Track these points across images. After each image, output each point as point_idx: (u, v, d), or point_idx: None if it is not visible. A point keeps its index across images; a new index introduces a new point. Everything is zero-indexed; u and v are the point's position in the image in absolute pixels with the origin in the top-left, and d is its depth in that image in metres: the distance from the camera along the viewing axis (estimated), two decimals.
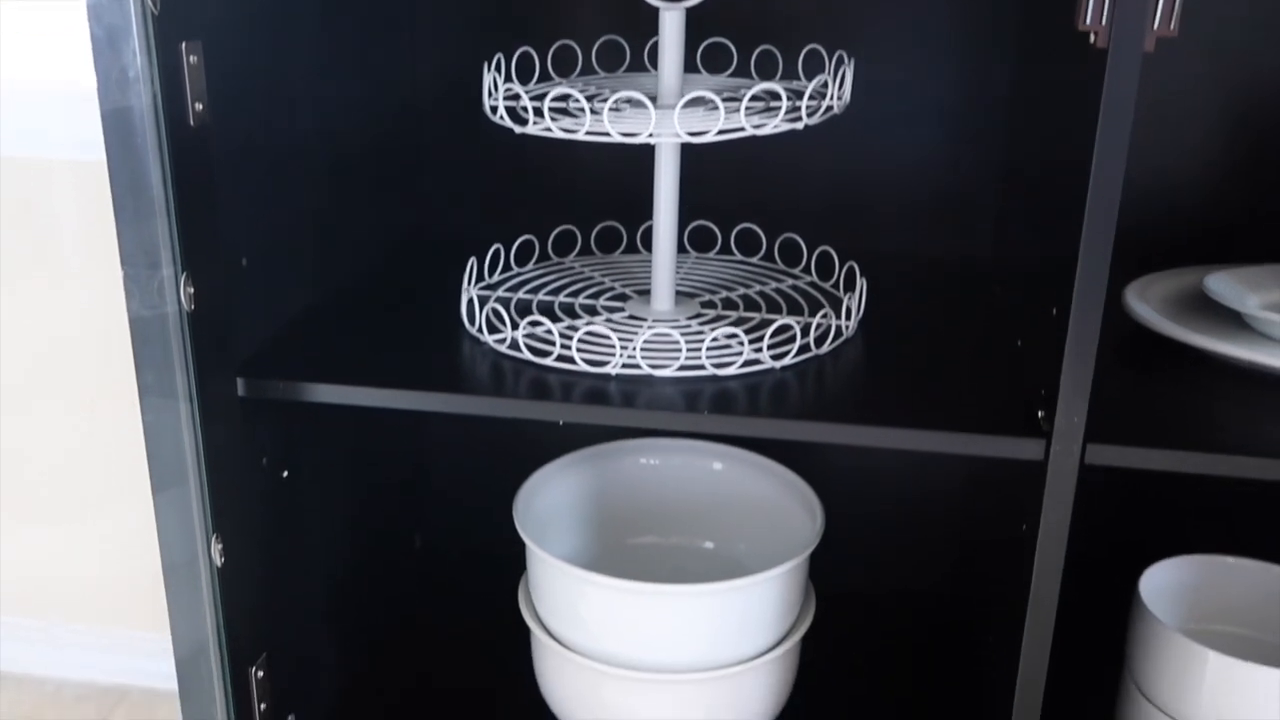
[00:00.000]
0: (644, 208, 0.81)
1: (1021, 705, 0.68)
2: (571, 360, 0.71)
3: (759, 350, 0.72)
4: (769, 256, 0.91)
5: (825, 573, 0.89)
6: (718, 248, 0.93)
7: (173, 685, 0.79)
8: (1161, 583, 0.84)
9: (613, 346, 0.71)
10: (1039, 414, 0.64)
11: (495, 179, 1.00)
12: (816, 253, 0.88)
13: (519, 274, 0.88)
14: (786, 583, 0.79)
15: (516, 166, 0.98)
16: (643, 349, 0.71)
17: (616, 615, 0.78)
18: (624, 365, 0.70)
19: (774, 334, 0.73)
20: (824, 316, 0.76)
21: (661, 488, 0.93)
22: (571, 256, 0.92)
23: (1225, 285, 0.78)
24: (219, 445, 0.67)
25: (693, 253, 0.93)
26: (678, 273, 0.87)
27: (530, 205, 0.99)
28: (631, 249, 0.93)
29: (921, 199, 0.94)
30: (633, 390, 0.68)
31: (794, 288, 0.86)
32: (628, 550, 0.93)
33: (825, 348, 0.74)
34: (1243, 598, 0.85)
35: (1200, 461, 0.62)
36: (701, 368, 0.70)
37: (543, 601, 0.82)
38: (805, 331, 0.74)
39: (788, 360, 0.72)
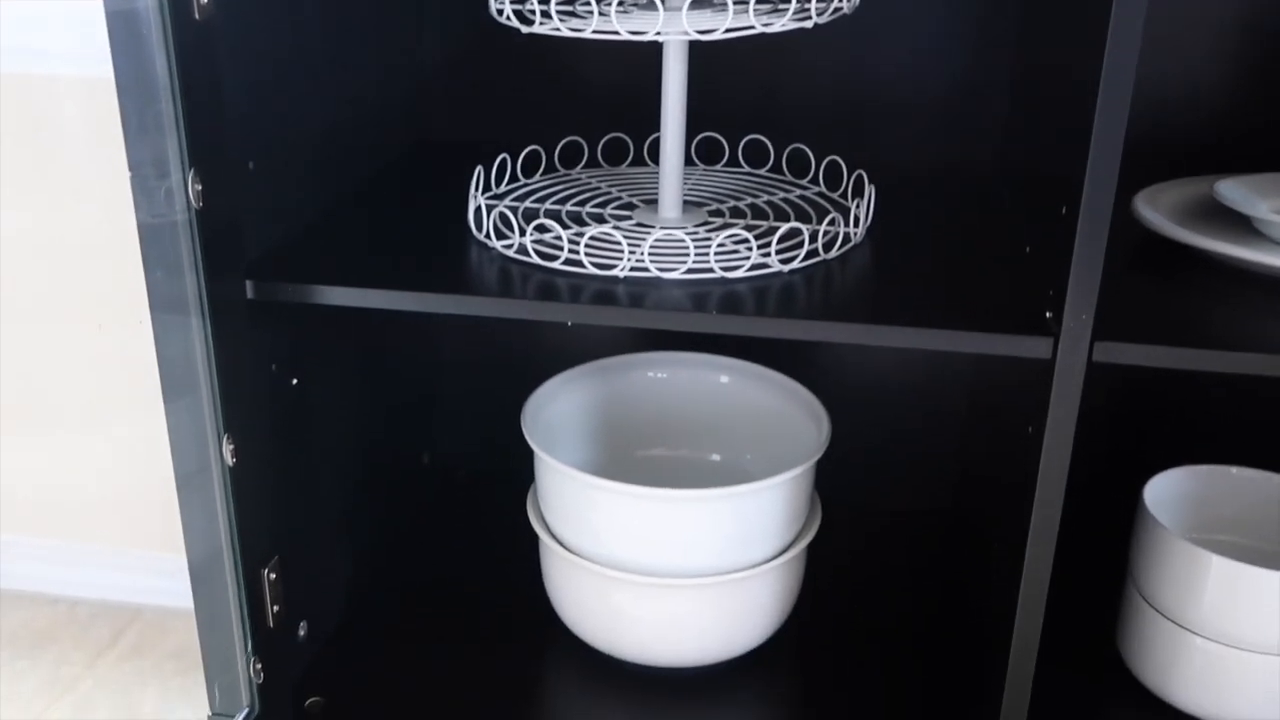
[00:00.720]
0: (651, 120, 0.81)
1: (1025, 607, 0.69)
2: (580, 264, 0.71)
3: (767, 254, 0.71)
4: (777, 168, 0.91)
5: (832, 484, 0.90)
6: (725, 160, 0.93)
7: (186, 603, 0.80)
8: (1165, 492, 0.84)
9: (620, 250, 0.71)
10: (1047, 315, 0.64)
11: (502, 89, 0.99)
12: (824, 162, 0.88)
13: (525, 184, 0.87)
14: (792, 489, 0.80)
15: (523, 76, 0.98)
16: (650, 252, 0.71)
17: (624, 521, 0.78)
18: (632, 268, 0.70)
19: (782, 239, 0.73)
20: (831, 223, 0.76)
21: (669, 401, 0.93)
22: (578, 168, 0.92)
23: (1235, 191, 0.78)
24: (228, 350, 0.68)
25: (700, 165, 0.93)
26: (685, 184, 0.87)
27: (536, 117, 0.98)
28: (639, 162, 0.93)
29: (930, 106, 0.93)
30: (640, 292, 0.68)
31: (802, 197, 0.85)
32: (636, 462, 0.94)
33: (833, 253, 0.74)
34: (1245, 507, 0.86)
35: (1207, 359, 0.62)
36: (710, 271, 0.70)
37: (551, 509, 0.83)
38: (814, 237, 0.74)
39: (796, 265, 0.72)
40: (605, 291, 0.69)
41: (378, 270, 0.72)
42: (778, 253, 0.72)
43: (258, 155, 0.72)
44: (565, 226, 0.77)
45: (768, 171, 0.91)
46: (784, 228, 0.73)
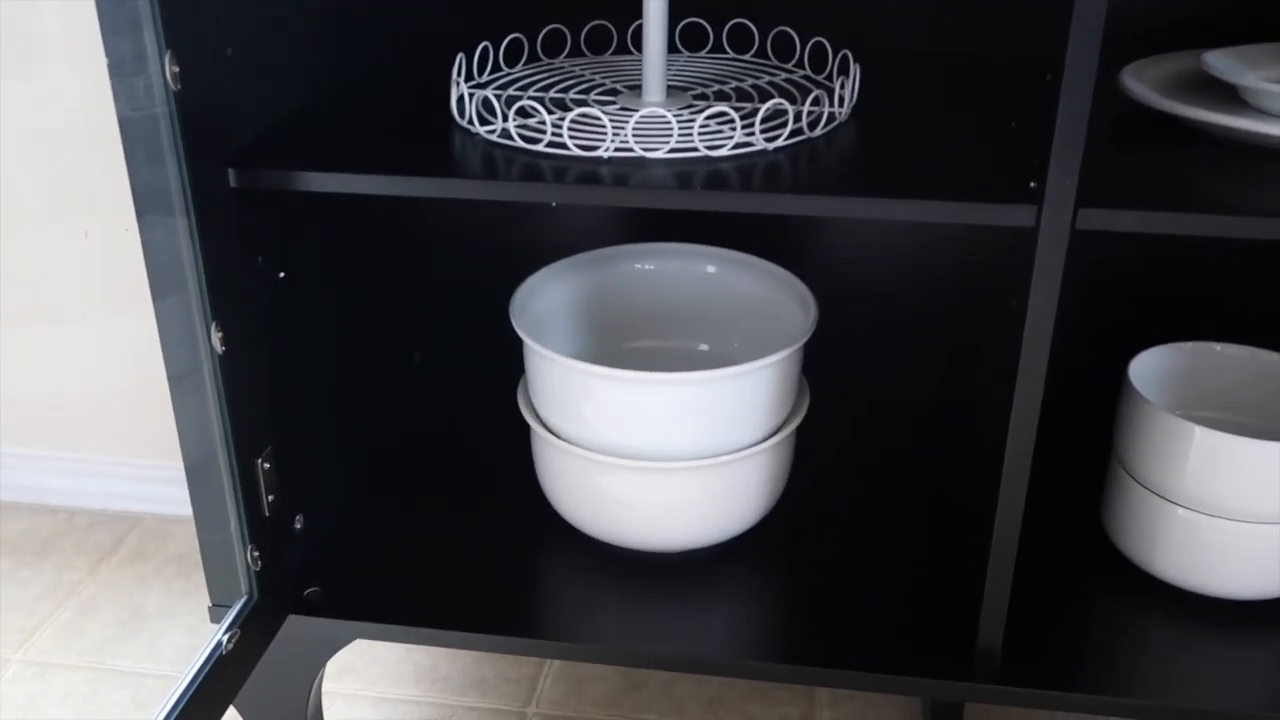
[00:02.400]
0: (634, 7, 0.80)
1: (1009, 479, 0.70)
2: (564, 145, 0.70)
3: (751, 133, 0.71)
4: (762, 52, 0.90)
5: (822, 370, 0.91)
6: (709, 46, 0.92)
7: (185, 510, 0.81)
8: (1150, 368, 0.85)
9: (604, 131, 0.70)
10: (1031, 184, 0.64)
11: None
12: (809, 44, 0.87)
13: (508, 73, 0.87)
14: (779, 373, 0.80)
15: None
16: (634, 132, 0.71)
17: (613, 407, 0.79)
18: (616, 149, 0.70)
19: (766, 118, 0.73)
20: (815, 102, 0.75)
21: (656, 291, 0.93)
22: (562, 57, 0.91)
23: (1223, 61, 0.77)
24: (213, 240, 0.67)
25: (685, 52, 0.92)
26: (669, 70, 0.86)
27: (522, 5, 0.97)
28: (622, 50, 0.92)
29: None
30: (625, 172, 0.68)
31: (788, 80, 0.85)
32: (625, 354, 0.94)
33: (818, 131, 0.74)
34: (1229, 383, 0.86)
35: (1190, 223, 0.62)
36: (694, 150, 0.70)
37: (541, 399, 0.84)
38: (798, 117, 0.74)
39: (780, 142, 0.71)
40: (590, 172, 0.68)
41: (361, 156, 0.72)
42: (762, 131, 0.71)
43: (238, 43, 0.71)
44: (550, 112, 0.76)
45: (753, 56, 0.90)
46: (766, 106, 0.73)
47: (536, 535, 0.89)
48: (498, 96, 0.80)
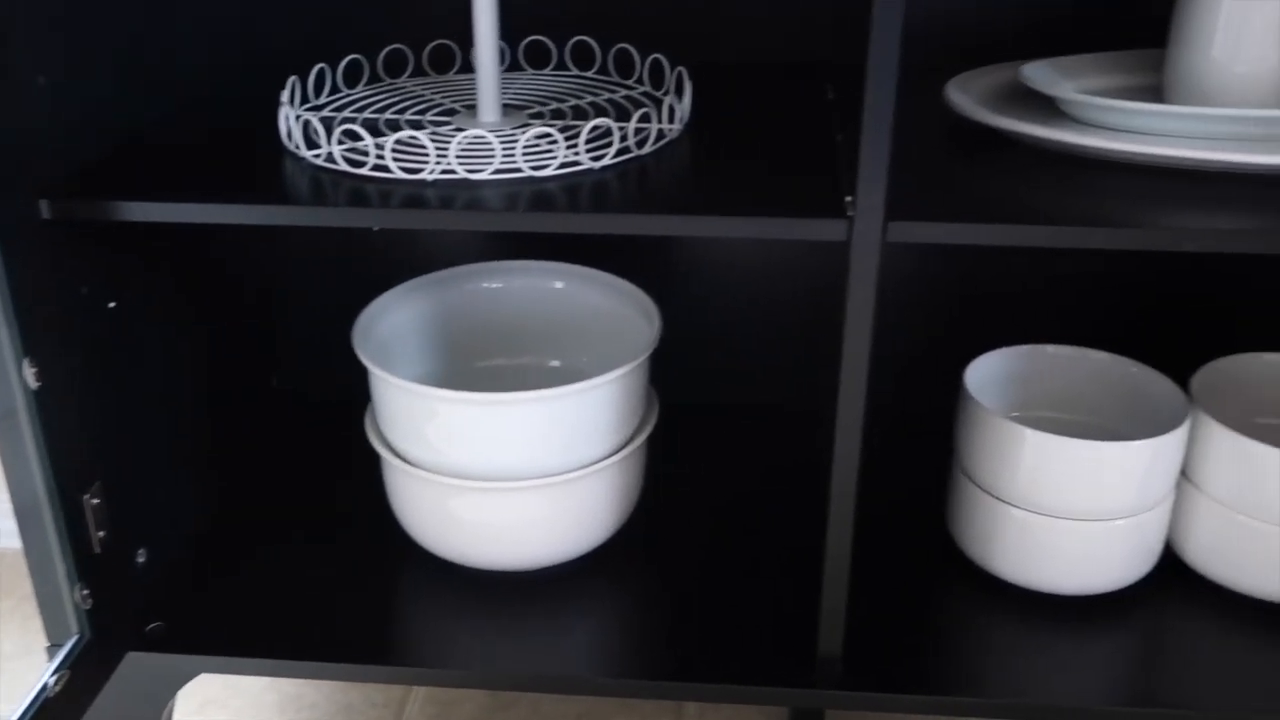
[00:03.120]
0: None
1: (838, 486, 0.71)
2: (387, 169, 0.70)
3: (576, 151, 0.71)
4: (604, 69, 0.90)
5: (675, 382, 0.91)
6: (553, 63, 0.92)
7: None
8: (988, 373, 0.87)
9: (427, 153, 0.70)
10: (848, 198, 0.65)
11: (323, 2, 0.97)
12: (648, 61, 0.87)
13: (347, 95, 0.86)
14: (623, 387, 0.80)
15: None
16: (458, 155, 0.70)
17: (458, 429, 0.79)
18: (442, 172, 0.70)
19: (595, 136, 0.73)
20: (643, 119, 0.76)
21: (506, 310, 0.93)
22: (404, 77, 0.90)
23: (1040, 72, 0.79)
24: (24, 272, 0.65)
25: (528, 69, 0.92)
26: (511, 88, 0.86)
27: (361, 28, 0.96)
28: (466, 69, 0.92)
29: (758, 6, 0.93)
30: (450, 194, 0.68)
31: (626, 97, 0.85)
32: (476, 374, 0.94)
33: (647, 149, 0.74)
34: (1063, 383, 0.89)
35: (1000, 233, 0.63)
36: (518, 170, 0.70)
37: (387, 423, 0.83)
38: (625, 135, 0.74)
39: (607, 161, 0.72)
40: (415, 195, 0.68)
41: (184, 184, 0.71)
42: (589, 149, 0.72)
43: (53, 70, 0.69)
44: (380, 134, 0.76)
45: (595, 73, 0.90)
46: (589, 125, 0.73)
47: (391, 560, 0.88)
48: (326, 120, 0.79)
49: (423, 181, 0.69)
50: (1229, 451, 0.79)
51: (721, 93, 0.87)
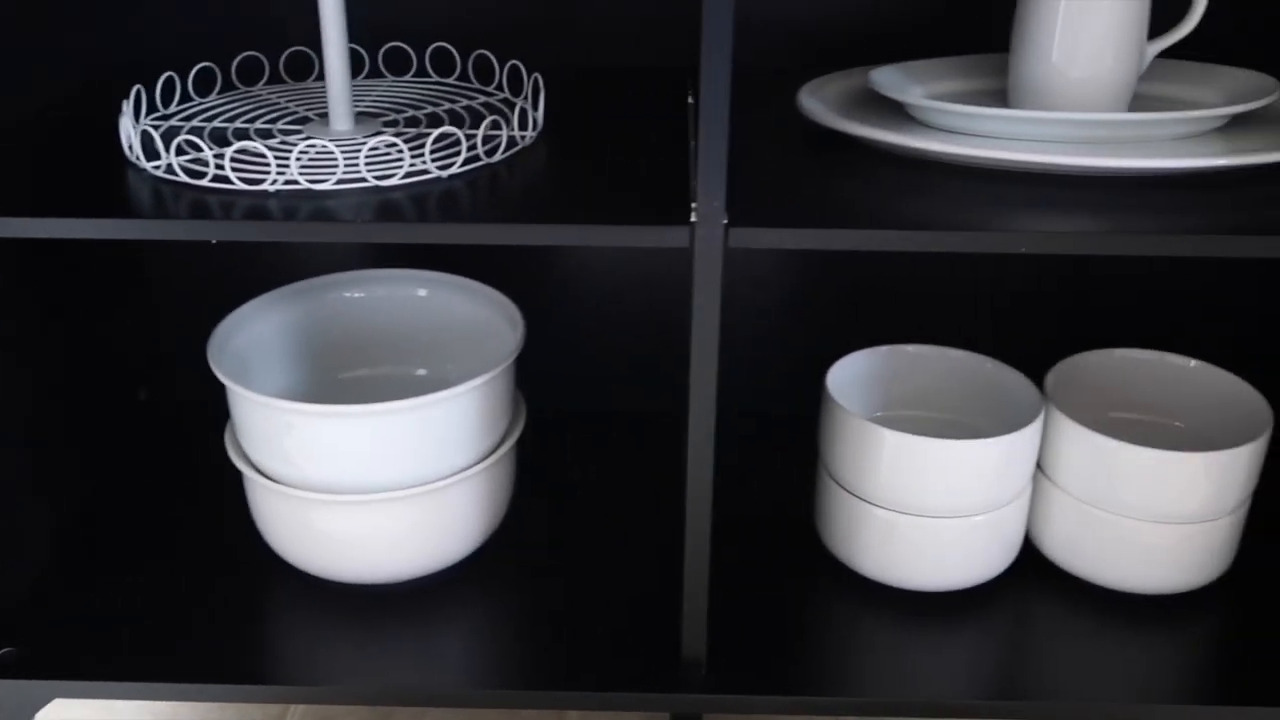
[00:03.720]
0: None
1: (693, 490, 0.71)
2: (228, 180, 0.68)
3: (421, 160, 0.70)
4: (465, 75, 0.90)
5: (544, 388, 0.91)
6: (414, 70, 0.91)
7: None
8: (851, 374, 0.88)
9: (268, 164, 0.69)
10: (693, 205, 0.65)
11: (181, 12, 0.94)
12: (507, 68, 0.87)
13: (199, 104, 0.84)
14: (486, 394, 0.80)
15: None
16: (300, 165, 0.69)
17: (317, 442, 0.77)
18: (285, 182, 0.68)
19: (443, 145, 0.72)
20: (494, 127, 0.75)
21: (369, 319, 0.92)
22: (260, 84, 0.88)
23: (889, 77, 0.80)
24: None
25: (389, 76, 0.91)
26: (369, 96, 0.85)
27: (216, 35, 0.94)
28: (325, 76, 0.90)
29: (622, 8, 0.93)
30: (294, 205, 0.67)
31: (485, 104, 0.84)
32: (339, 385, 0.93)
33: (498, 157, 0.74)
34: (925, 382, 0.90)
35: (840, 238, 0.64)
36: (363, 180, 0.69)
37: (246, 438, 0.81)
38: (474, 143, 0.73)
39: (456, 169, 0.71)
40: (257, 207, 0.67)
41: (18, 199, 0.68)
42: (436, 158, 0.71)
43: None
44: (227, 144, 0.74)
45: (455, 80, 0.90)
46: (436, 133, 0.72)
47: (257, 577, 0.86)
48: (176, 130, 0.77)
49: (265, 193, 0.68)
50: (1081, 446, 0.80)
51: (584, 98, 0.86)
